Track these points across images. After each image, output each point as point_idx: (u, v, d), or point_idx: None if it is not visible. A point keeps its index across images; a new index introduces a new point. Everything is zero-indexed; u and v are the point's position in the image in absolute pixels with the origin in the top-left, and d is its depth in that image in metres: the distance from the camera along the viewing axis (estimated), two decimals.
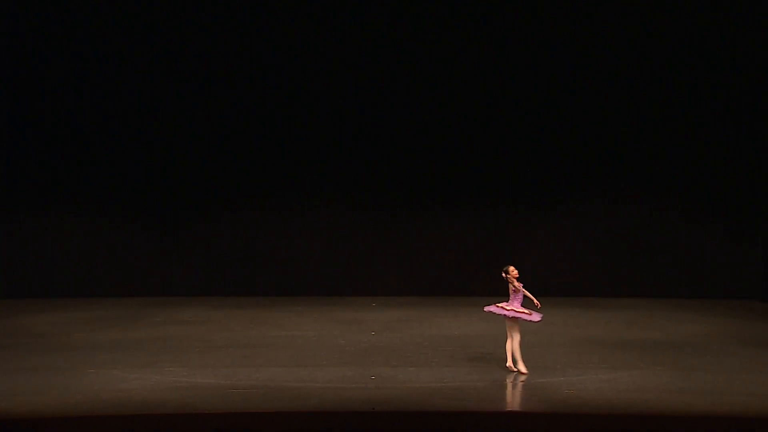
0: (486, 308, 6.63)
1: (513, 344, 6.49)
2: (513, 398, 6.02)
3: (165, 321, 9.38)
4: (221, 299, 11.97)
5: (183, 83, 11.93)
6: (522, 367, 6.42)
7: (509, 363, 6.52)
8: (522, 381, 6.24)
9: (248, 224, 12.70)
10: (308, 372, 6.42)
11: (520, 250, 12.00)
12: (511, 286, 6.54)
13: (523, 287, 6.54)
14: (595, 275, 12.39)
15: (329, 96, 12.13)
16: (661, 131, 11.88)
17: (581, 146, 12.10)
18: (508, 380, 6.27)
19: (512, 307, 6.52)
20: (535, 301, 6.58)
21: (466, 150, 12.29)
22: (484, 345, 7.65)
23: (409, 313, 10.39)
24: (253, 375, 6.34)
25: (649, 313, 10.29)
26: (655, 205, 12.11)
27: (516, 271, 6.64)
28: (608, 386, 6.02)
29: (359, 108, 12.19)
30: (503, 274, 6.57)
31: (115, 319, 9.44)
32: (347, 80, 12.14)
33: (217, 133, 12.15)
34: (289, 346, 7.61)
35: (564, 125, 11.99)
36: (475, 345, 7.69)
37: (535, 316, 6.50)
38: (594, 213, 12.39)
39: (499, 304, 6.61)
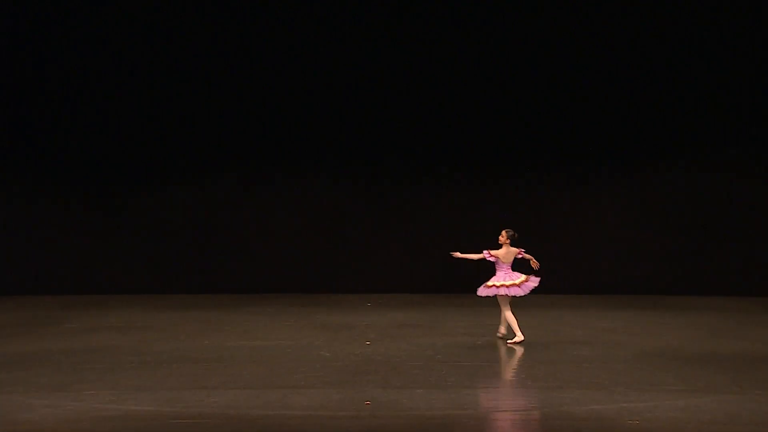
0: (479, 292, 8.28)
1: (506, 315, 8.30)
2: None
3: (87, 327, 9.56)
4: (165, 298, 12.15)
5: (115, 35, 12.52)
6: (519, 335, 8.25)
7: (502, 331, 8.51)
8: (512, 343, 8.17)
9: (203, 200, 13.02)
10: (281, 395, 6.39)
11: (560, 234, 12.41)
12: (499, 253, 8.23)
13: (525, 252, 8.25)
14: (666, 266, 12.52)
15: (308, 46, 12.54)
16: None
17: (646, 96, 12.42)
18: (548, 407, 6.20)
19: (502, 282, 8.15)
20: (534, 261, 8.26)
21: (489, 113, 12.62)
22: (514, 356, 7.83)
23: (416, 315, 10.59)
24: (206, 400, 6.28)
25: (742, 316, 10.44)
26: (746, 175, 12.23)
27: (506, 235, 8.20)
28: (687, 416, 5.95)
29: (348, 58, 12.56)
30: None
31: (18, 325, 9.58)
32: (333, 30, 12.48)
33: (159, 88, 12.60)
34: (256, 361, 7.65)
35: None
36: (502, 357, 7.87)
37: (532, 283, 8.19)
38: (662, 185, 12.61)
39: (489, 283, 8.24)
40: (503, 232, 8.36)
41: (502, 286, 8.23)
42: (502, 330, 8.65)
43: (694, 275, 12.26)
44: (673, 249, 12.51)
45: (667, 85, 12.54)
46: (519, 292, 8.25)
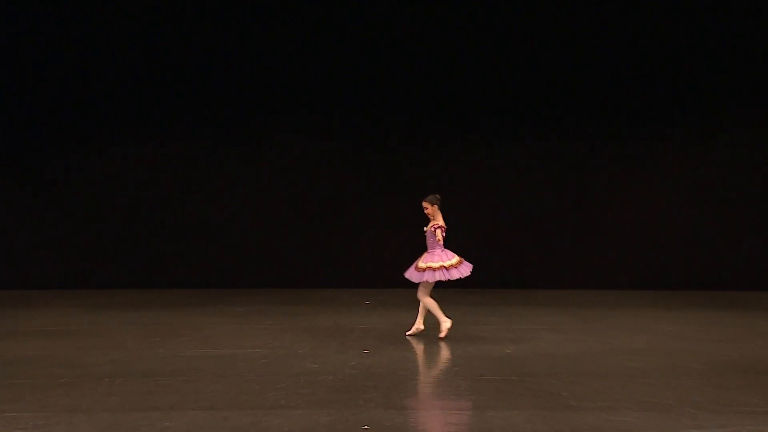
0: (407, 274, 9.02)
1: (428, 302, 9.07)
2: None
3: (7, 331, 9.68)
4: (106, 294, 12.16)
5: None
6: (446, 321, 9.14)
7: (416, 328, 9.23)
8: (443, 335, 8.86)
9: (153, 172, 13.11)
10: (255, 419, 6.39)
11: (614, 218, 12.76)
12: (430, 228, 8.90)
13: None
14: (747, 257, 12.62)
15: None
16: None
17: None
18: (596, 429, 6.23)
19: (428, 263, 8.92)
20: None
21: (508, 64, 13.44)
22: (553, 368, 7.80)
23: (428, 316, 10.64)
24: (159, 425, 6.27)
25: None
26: None
27: (430, 206, 8.95)
28: None
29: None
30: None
31: None
32: None
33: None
34: (223, 374, 7.68)
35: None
36: (538, 369, 7.83)
37: (465, 268, 8.91)
38: (743, 159, 12.64)
39: (421, 265, 8.94)
40: (432, 199, 9.03)
41: (451, 267, 8.96)
42: (420, 325, 9.34)
43: None
44: (755, 236, 12.58)
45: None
46: (457, 274, 8.96)
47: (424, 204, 9.13)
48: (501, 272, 13.91)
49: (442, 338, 9.16)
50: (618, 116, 13.91)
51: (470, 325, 10.38)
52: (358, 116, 13.64)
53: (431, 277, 8.99)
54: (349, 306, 11.45)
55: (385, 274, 12.79)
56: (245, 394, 7.03)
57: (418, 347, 8.84)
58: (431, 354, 8.46)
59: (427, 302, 9.23)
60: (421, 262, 9.06)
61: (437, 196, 9.14)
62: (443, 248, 9.10)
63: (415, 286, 9.26)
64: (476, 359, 8.22)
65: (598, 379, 7.46)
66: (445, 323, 9.20)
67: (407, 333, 9.38)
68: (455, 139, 13.92)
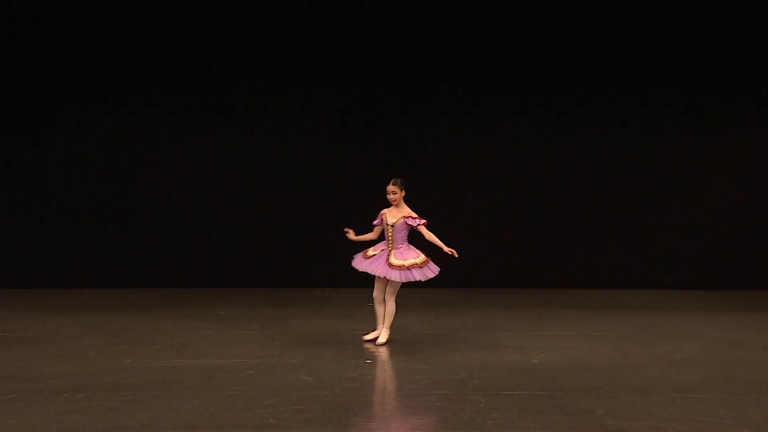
0: (361, 267, 9.20)
1: (389, 308, 9.25)
2: None
3: None
4: (63, 295, 12.14)
5: None
6: (384, 335, 9.31)
7: (376, 334, 9.38)
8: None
9: (113, 146, 13.09)
10: None
11: (662, 206, 12.87)
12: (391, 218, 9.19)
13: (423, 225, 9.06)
14: None
15: None
16: None
17: None
18: None
19: (413, 260, 9.05)
20: (446, 249, 8.86)
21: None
22: (588, 381, 7.80)
23: (439, 319, 10.90)
24: None
25: None
26: None
27: (399, 191, 9.08)
28: None
29: None
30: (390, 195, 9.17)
31: None
32: None
33: None
34: (203, 388, 7.66)
35: None
36: (570, 383, 7.80)
37: (431, 270, 9.09)
38: None
39: (398, 262, 9.04)
40: (402, 183, 9.21)
41: (423, 265, 9.15)
42: (382, 331, 9.43)
43: None
44: None
45: None
46: (422, 276, 9.14)
47: (393, 188, 9.18)
48: (526, 268, 13.86)
49: (367, 340, 9.47)
50: (671, 95, 13.79)
51: (491, 330, 10.35)
52: (365, 77, 13.50)
53: (420, 276, 9.15)
54: (349, 308, 11.43)
55: None
56: (228, 411, 6.98)
57: (429, 356, 8.83)
58: (444, 365, 8.43)
59: (392, 306, 9.35)
60: (397, 259, 9.12)
61: (404, 181, 9.25)
62: (409, 244, 9.25)
63: (414, 283, 9.33)
64: (497, 371, 8.20)
65: (641, 395, 7.42)
66: (382, 336, 9.39)
67: (366, 337, 9.56)
68: (478, 110, 13.79)
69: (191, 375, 8.07)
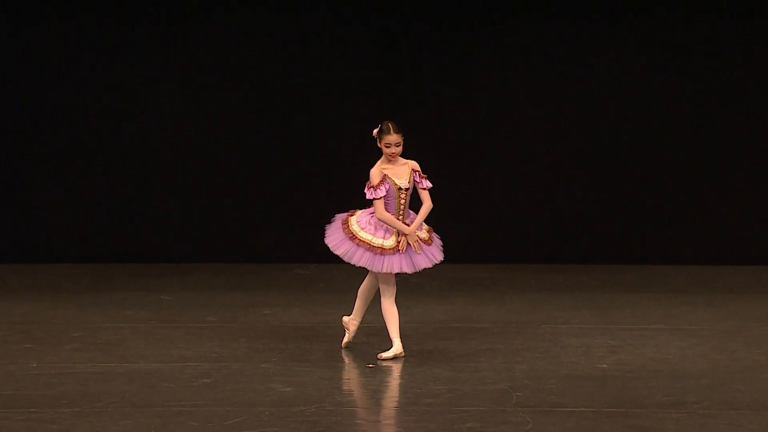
0: (401, 266, 8.83)
1: (387, 306, 8.94)
2: None
3: None
4: None
5: None
6: (398, 346, 8.91)
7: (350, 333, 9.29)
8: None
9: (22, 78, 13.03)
10: None
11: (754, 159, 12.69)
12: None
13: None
14: None
15: None
16: None
17: None
18: None
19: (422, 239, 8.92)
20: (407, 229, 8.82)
21: None
22: (676, 393, 7.89)
23: (466, 309, 11.11)
24: None
25: None
26: None
27: (394, 135, 8.78)
28: None
29: None
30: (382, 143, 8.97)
31: None
32: None
33: None
34: (139, 402, 7.73)
35: None
36: (651, 396, 7.89)
37: (436, 253, 9.01)
38: None
39: (392, 245, 8.81)
40: (399, 128, 8.90)
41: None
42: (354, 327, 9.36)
43: None
44: None
45: None
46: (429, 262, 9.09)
47: (399, 138, 8.83)
48: (589, 237, 13.81)
49: (385, 359, 9.08)
50: None
51: (542, 323, 10.41)
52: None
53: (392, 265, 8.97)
54: (340, 292, 11.30)
55: None
56: (178, 428, 7.04)
57: (455, 359, 8.91)
58: (475, 371, 8.48)
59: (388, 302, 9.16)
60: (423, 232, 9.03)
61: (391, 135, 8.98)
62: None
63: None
64: (551, 379, 8.23)
65: (752, 412, 7.43)
66: (395, 349, 8.98)
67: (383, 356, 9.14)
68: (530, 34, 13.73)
69: (122, 384, 8.10)
